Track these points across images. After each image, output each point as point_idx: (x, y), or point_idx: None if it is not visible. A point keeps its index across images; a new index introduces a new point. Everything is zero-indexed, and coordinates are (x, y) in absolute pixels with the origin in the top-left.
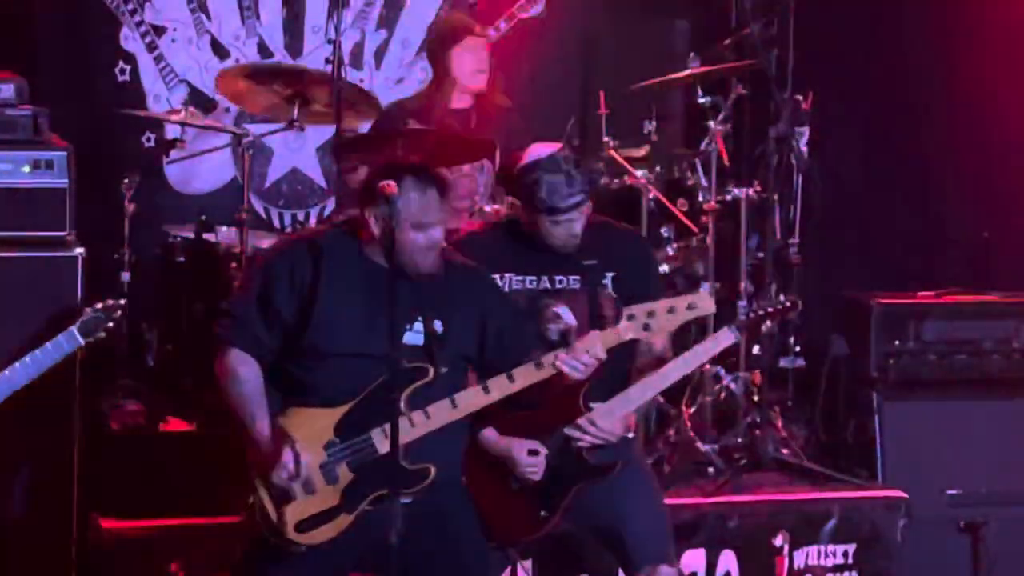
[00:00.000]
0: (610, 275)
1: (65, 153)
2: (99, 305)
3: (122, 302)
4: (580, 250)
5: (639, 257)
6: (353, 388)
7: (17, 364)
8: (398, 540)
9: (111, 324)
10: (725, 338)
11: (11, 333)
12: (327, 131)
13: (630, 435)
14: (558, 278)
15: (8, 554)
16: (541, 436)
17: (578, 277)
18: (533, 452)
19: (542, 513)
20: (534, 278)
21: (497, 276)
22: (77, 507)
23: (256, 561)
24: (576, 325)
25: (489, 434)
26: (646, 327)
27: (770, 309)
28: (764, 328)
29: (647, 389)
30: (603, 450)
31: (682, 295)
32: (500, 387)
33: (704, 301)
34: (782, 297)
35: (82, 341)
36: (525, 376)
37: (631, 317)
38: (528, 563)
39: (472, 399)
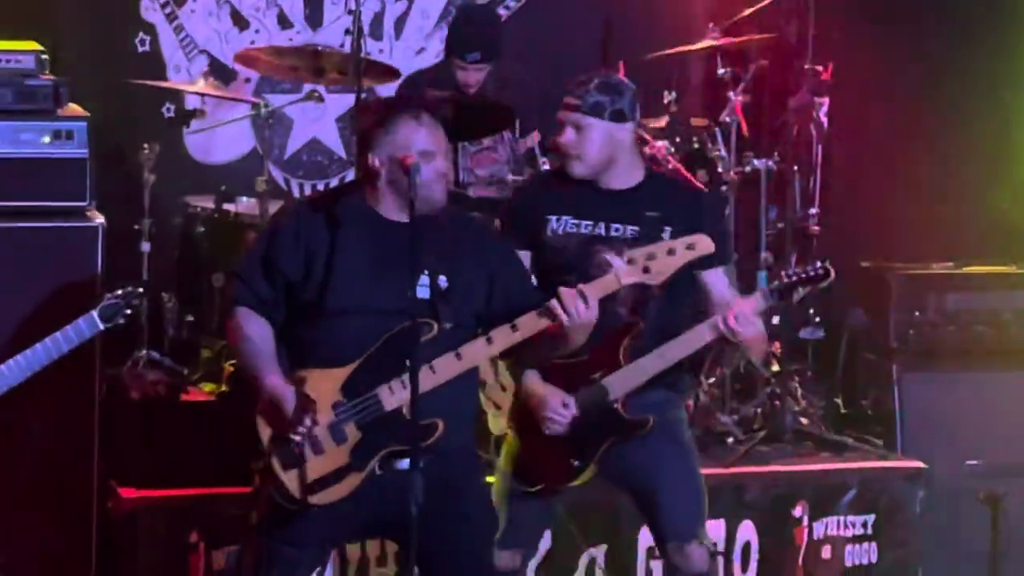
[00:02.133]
0: (669, 229)
1: (85, 123)
2: (119, 291)
3: (141, 289)
4: (643, 200)
5: (699, 215)
6: (360, 345)
7: (38, 346)
8: (412, 507)
9: (131, 310)
10: (755, 302)
11: (31, 303)
12: (347, 101)
13: (674, 395)
14: (615, 226)
15: (29, 523)
16: (580, 385)
17: (635, 227)
18: (564, 405)
19: (574, 462)
20: (590, 223)
21: (553, 217)
22: (97, 476)
23: (268, 524)
24: None
25: (532, 377)
26: (646, 269)
27: (803, 275)
28: (796, 295)
29: (678, 347)
30: (640, 400)
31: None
32: (503, 337)
33: (703, 241)
34: (817, 264)
35: (102, 326)
36: (528, 325)
37: (631, 261)
38: (547, 533)
39: (476, 351)
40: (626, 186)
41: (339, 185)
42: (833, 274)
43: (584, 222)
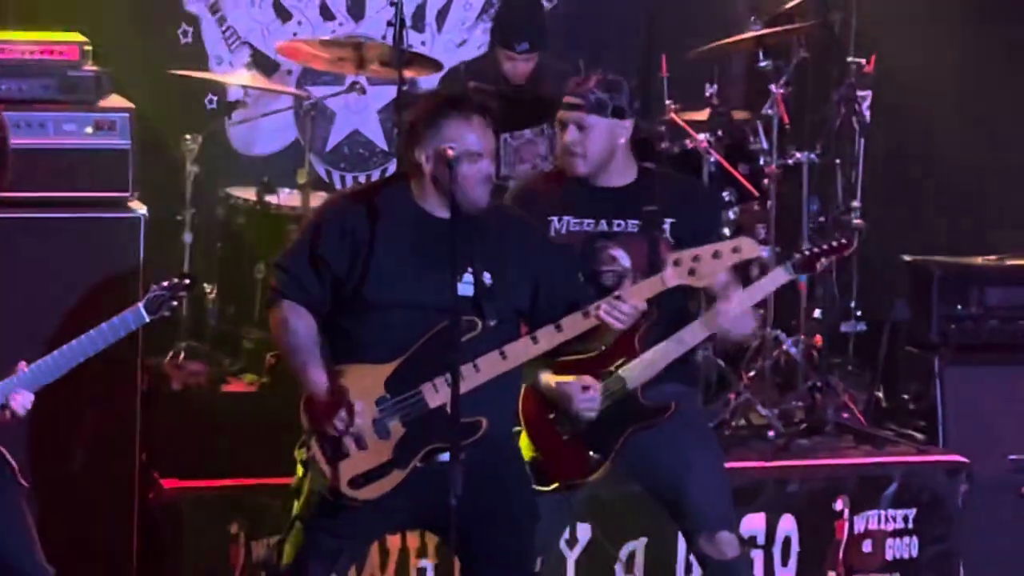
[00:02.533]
0: (669, 221)
1: (127, 114)
2: (165, 283)
3: (187, 281)
4: (640, 196)
5: (700, 204)
6: (404, 342)
7: (83, 337)
8: (454, 501)
9: (176, 302)
10: (780, 276)
11: (73, 293)
12: (389, 93)
13: (693, 386)
14: (616, 222)
15: (71, 513)
16: (596, 378)
17: (636, 221)
18: (586, 388)
19: (593, 455)
20: (591, 221)
21: (555, 218)
22: (139, 467)
23: (310, 517)
24: (631, 269)
25: (545, 376)
26: (691, 272)
27: (825, 246)
28: (820, 265)
29: (701, 330)
30: (657, 392)
31: (728, 240)
32: (548, 337)
33: (748, 244)
34: (837, 235)
35: (148, 318)
36: (572, 325)
37: (676, 263)
38: (587, 526)
39: (521, 350)
40: (622, 183)
41: (384, 178)
42: (855, 244)
43: (586, 220)
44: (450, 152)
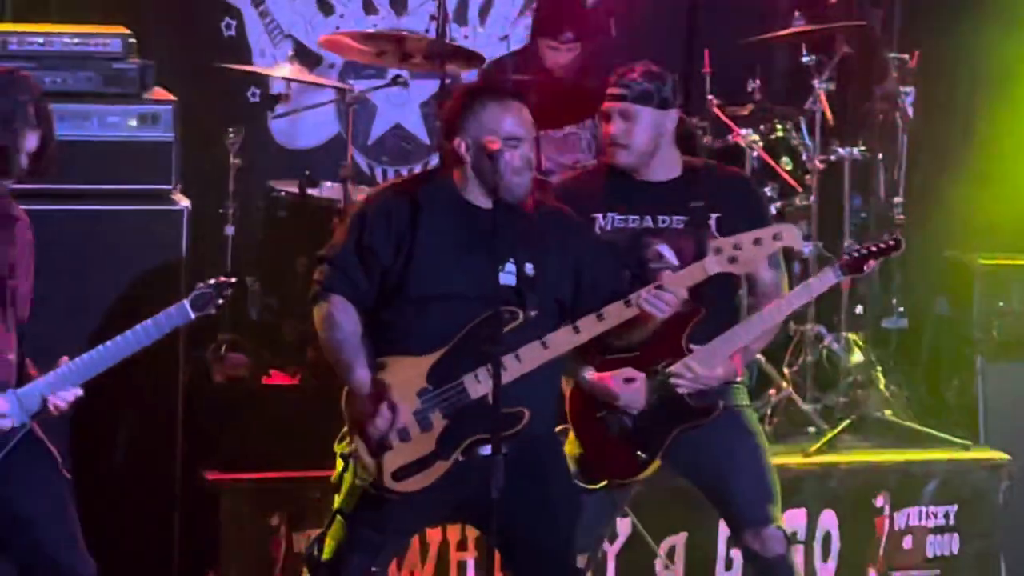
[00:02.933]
0: (715, 216)
1: (171, 107)
2: (212, 281)
3: (233, 280)
4: (686, 191)
5: (747, 199)
6: (446, 332)
7: (128, 333)
8: (495, 494)
9: (222, 300)
10: (828, 278)
11: (117, 285)
12: (431, 87)
13: (738, 379)
14: (661, 218)
15: (113, 504)
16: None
17: (682, 217)
18: (629, 380)
19: (639, 455)
20: (637, 217)
21: (599, 215)
22: (181, 459)
23: (351, 510)
24: (678, 264)
25: (589, 374)
26: (732, 260)
27: (873, 247)
28: (868, 267)
29: (751, 328)
30: (704, 392)
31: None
32: (589, 326)
33: (790, 231)
34: (886, 235)
35: (193, 316)
36: (614, 314)
37: (717, 250)
38: (628, 520)
39: (562, 339)
40: (667, 178)
41: (425, 170)
42: (903, 245)
43: (631, 217)
44: (489, 141)
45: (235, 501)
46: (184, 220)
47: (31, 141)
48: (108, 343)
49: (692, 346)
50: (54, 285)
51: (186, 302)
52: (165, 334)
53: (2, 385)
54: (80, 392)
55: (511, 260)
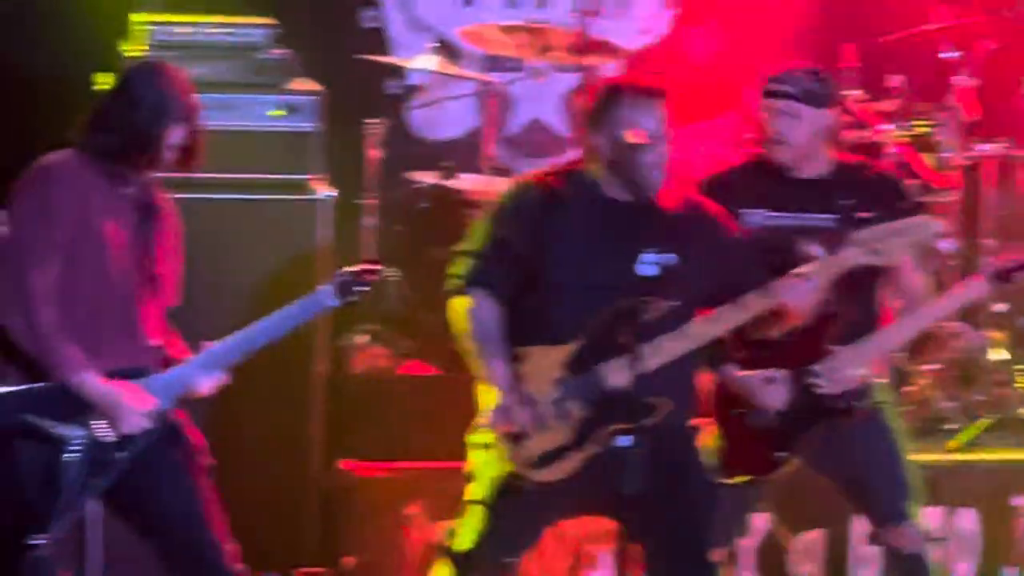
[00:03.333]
0: (866, 215)
1: (313, 98)
2: (356, 268)
3: (376, 268)
4: (836, 188)
5: (895, 197)
6: (582, 322)
7: (270, 319)
8: (632, 486)
9: (365, 287)
10: (977, 286)
11: (257, 275)
12: (571, 80)
13: (878, 378)
14: (812, 216)
15: (252, 492)
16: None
17: (833, 215)
18: (770, 379)
19: (778, 453)
20: (786, 214)
21: (748, 211)
22: (320, 449)
23: (488, 501)
24: None
25: (731, 370)
26: (874, 251)
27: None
28: (1020, 278)
29: (897, 333)
30: (845, 393)
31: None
32: (730, 316)
33: (931, 225)
34: None
35: (336, 302)
36: (753, 305)
37: (856, 242)
38: (764, 516)
39: (701, 330)
40: (818, 175)
41: (565, 163)
42: None
43: (780, 214)
44: (628, 136)
45: (371, 491)
46: (325, 210)
47: (177, 134)
48: (249, 329)
49: (834, 347)
50: (196, 272)
51: (329, 289)
52: (307, 321)
53: (147, 370)
54: (222, 377)
55: (650, 251)
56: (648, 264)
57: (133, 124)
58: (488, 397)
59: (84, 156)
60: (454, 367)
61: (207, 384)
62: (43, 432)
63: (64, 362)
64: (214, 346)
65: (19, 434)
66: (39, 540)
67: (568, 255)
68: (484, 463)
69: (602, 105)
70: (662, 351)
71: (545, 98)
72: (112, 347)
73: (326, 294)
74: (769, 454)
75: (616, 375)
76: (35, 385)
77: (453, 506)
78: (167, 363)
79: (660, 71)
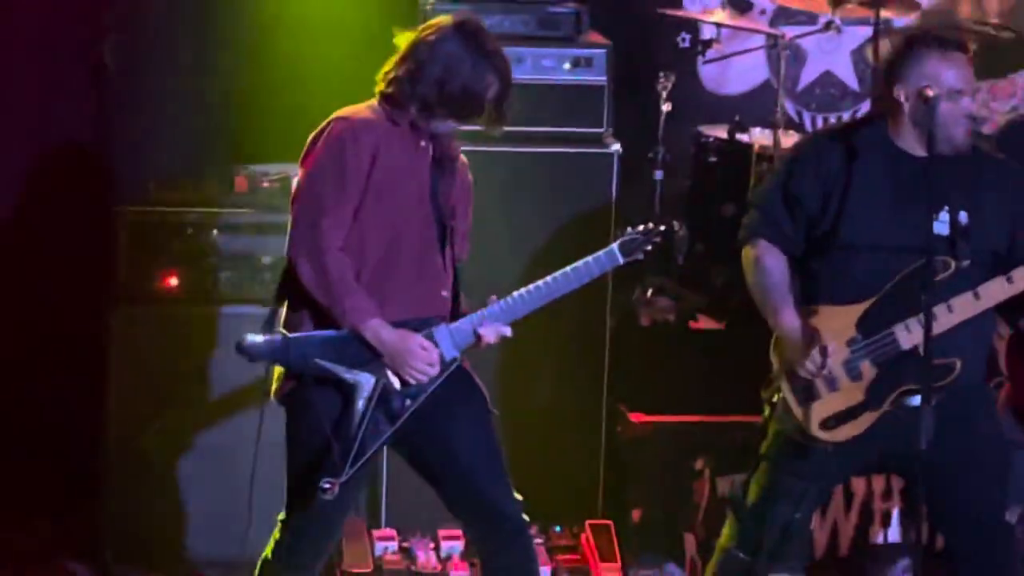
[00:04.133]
0: None
1: (604, 51)
2: (640, 227)
3: (663, 227)
4: None
5: None
6: (875, 282)
7: (558, 275)
8: (924, 443)
9: (651, 247)
10: None
11: (546, 228)
12: (863, 33)
13: None
14: None
15: (540, 443)
16: None
17: None
18: None
19: None
20: None
21: None
22: (607, 400)
23: (777, 457)
24: None
25: None
26: None
27: None
28: None
29: None
30: None
31: None
32: None
33: None
34: None
35: (622, 260)
36: None
37: None
38: None
39: (995, 290)
40: None
41: (858, 118)
42: None
43: None
44: (929, 91)
45: (659, 444)
46: (615, 164)
47: (495, 90)
48: (537, 284)
49: None
50: (489, 226)
51: (615, 247)
52: (594, 278)
53: (437, 319)
54: (508, 330)
55: (945, 209)
56: (943, 222)
57: (457, 79)
58: (780, 351)
59: (382, 109)
60: (741, 321)
61: (494, 336)
62: (335, 377)
63: (352, 311)
64: (503, 300)
65: (313, 379)
66: (329, 483)
67: (861, 213)
68: (773, 419)
69: (903, 58)
70: (957, 311)
71: (836, 51)
72: (402, 297)
73: (611, 253)
74: None
75: (910, 336)
76: (329, 332)
77: (741, 460)
78: (455, 314)
79: (959, 24)
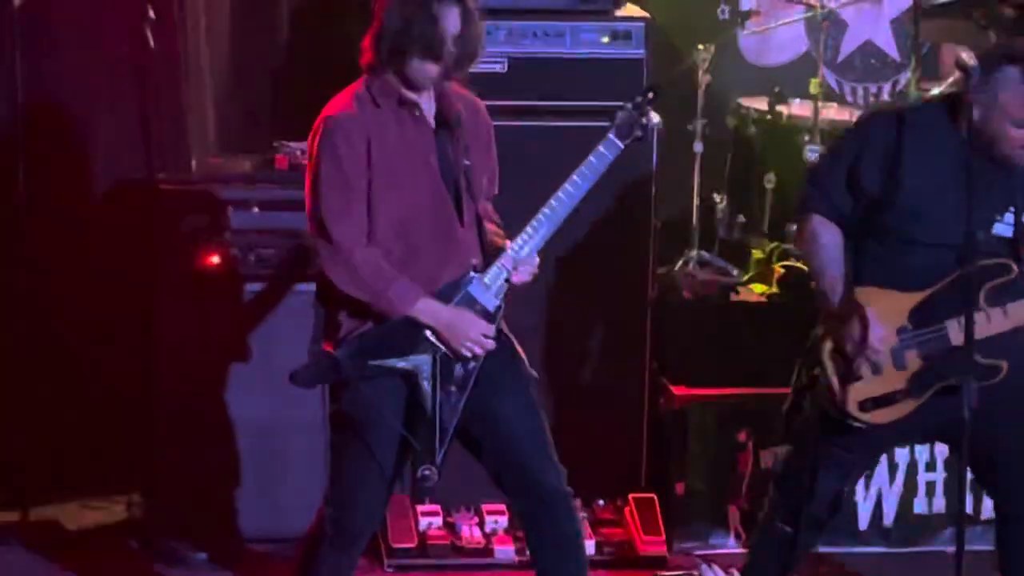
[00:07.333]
0: None
1: (643, 24)
2: (629, 104)
3: (651, 95)
4: None
5: None
6: (932, 273)
7: (568, 185)
8: (970, 414)
9: (645, 118)
10: None
11: (586, 200)
12: (903, 3)
13: None
14: None
15: (583, 415)
16: None
17: None
18: None
19: None
20: None
21: None
22: (649, 373)
23: (815, 431)
24: None
25: None
26: None
27: None
28: None
29: None
30: None
31: None
32: None
33: None
34: None
35: (622, 145)
36: None
37: None
38: None
39: None
40: None
41: (927, 103)
42: None
43: None
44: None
45: (702, 416)
46: (654, 136)
47: (453, 19)
48: (550, 202)
49: None
50: (524, 199)
51: (611, 134)
52: (601, 174)
53: (466, 279)
54: (536, 260)
55: (1010, 210)
56: (1007, 224)
57: (415, 18)
58: (829, 326)
59: (366, 92)
60: (783, 293)
61: (528, 275)
62: (393, 370)
63: (399, 299)
64: (523, 232)
65: (367, 379)
66: (428, 470)
67: (921, 206)
68: (812, 394)
69: (992, 69)
70: (1012, 316)
71: (877, 22)
72: (429, 277)
73: (610, 142)
74: None
75: (961, 333)
76: (366, 330)
77: (783, 435)
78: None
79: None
